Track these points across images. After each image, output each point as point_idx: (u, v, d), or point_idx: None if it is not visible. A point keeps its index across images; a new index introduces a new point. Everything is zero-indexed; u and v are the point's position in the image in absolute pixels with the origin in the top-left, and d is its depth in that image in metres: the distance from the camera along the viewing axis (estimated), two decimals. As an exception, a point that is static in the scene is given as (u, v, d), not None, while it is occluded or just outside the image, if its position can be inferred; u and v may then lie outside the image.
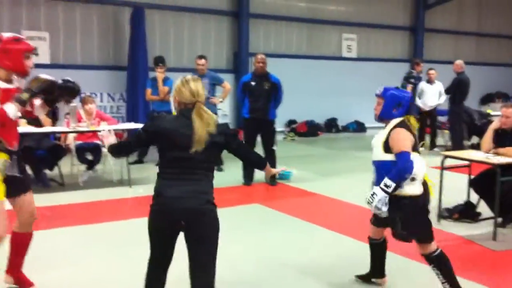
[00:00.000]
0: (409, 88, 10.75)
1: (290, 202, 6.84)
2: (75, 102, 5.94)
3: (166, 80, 8.95)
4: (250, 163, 4.02)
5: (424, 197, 3.78)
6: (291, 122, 13.74)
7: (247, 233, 5.47)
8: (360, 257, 4.52)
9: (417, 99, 11.05)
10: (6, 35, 3.59)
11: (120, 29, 11.43)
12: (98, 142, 7.38)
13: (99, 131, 6.96)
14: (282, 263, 4.65)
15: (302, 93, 12.96)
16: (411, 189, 3.70)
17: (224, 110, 12.19)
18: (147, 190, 7.10)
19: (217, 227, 3.06)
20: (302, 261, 4.72)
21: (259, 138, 7.82)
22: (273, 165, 7.79)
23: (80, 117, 7.51)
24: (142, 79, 10.51)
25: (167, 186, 3.04)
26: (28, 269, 3.91)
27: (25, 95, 3.50)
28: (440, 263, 3.76)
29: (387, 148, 3.77)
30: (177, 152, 3.02)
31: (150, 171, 8.42)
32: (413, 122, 3.93)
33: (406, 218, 3.73)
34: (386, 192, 3.65)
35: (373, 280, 4.24)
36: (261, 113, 7.59)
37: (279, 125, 8.04)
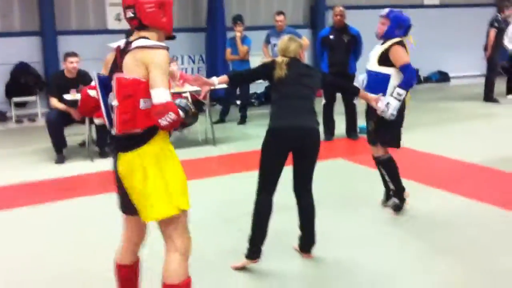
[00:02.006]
0: (492, 32, 10.22)
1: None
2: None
3: (244, 39, 9.03)
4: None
5: (401, 110, 4.41)
6: (371, 75, 13.45)
7: (334, 188, 5.54)
8: (449, 208, 4.51)
9: (505, 42, 10.47)
10: None
11: (197, -10, 11.56)
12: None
13: (185, 92, 7.24)
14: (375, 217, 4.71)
15: (382, 45, 12.60)
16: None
17: (303, 66, 12.11)
18: (231, 148, 7.42)
19: None
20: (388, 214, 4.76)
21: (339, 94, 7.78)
22: (354, 120, 7.76)
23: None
24: (221, 40, 10.64)
25: None
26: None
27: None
28: (388, 165, 4.60)
29: (381, 61, 4.40)
30: None
31: (232, 130, 8.66)
32: (412, 40, 4.56)
33: (382, 123, 4.40)
34: (398, 100, 4.27)
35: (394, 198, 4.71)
36: (340, 67, 7.52)
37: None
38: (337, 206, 4.97)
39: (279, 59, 3.76)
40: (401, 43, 4.43)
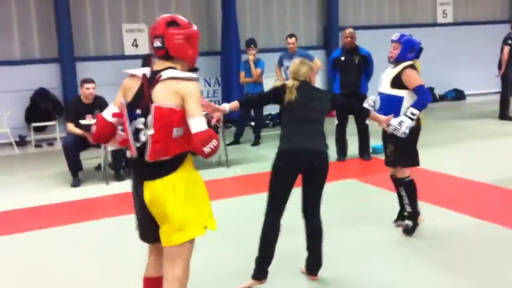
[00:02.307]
0: (506, 49, 10.21)
1: (386, 176, 6.77)
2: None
3: (257, 62, 9.16)
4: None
5: (417, 130, 4.56)
6: (385, 95, 13.46)
7: (345, 208, 5.56)
8: (458, 227, 4.49)
9: None
10: (181, 18, 2.87)
11: (213, 14, 11.77)
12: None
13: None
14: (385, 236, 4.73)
15: (395, 64, 12.64)
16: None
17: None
18: (244, 169, 7.49)
19: None
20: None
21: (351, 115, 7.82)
22: (367, 140, 7.79)
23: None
24: (236, 63, 10.81)
25: None
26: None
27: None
28: (410, 187, 4.65)
29: (394, 84, 4.50)
30: None
31: (246, 152, 8.74)
32: (418, 66, 4.72)
33: (400, 145, 4.50)
34: (411, 119, 4.35)
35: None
36: (352, 88, 7.58)
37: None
38: (347, 226, 4.99)
39: (290, 82, 3.84)
40: (413, 66, 4.55)
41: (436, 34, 13.75)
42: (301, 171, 3.72)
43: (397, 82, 4.50)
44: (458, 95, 13.92)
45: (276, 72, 9.08)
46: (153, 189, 2.73)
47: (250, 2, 12.14)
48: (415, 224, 4.67)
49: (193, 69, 2.91)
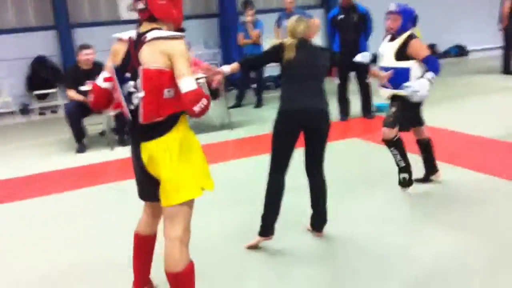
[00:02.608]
0: (507, 3, 10.11)
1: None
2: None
3: (256, 23, 9.05)
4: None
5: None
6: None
7: (349, 168, 5.59)
8: (463, 183, 4.50)
9: None
10: None
11: (208, -25, 11.59)
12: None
13: (201, 77, 7.31)
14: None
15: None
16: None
17: (317, 47, 12.11)
18: (247, 131, 7.50)
19: None
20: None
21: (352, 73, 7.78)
22: (369, 99, 7.76)
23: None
24: (233, 25, 10.69)
25: None
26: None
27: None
28: (399, 145, 4.60)
29: (399, 56, 4.45)
30: None
31: (249, 114, 8.73)
32: (418, 33, 4.56)
33: (402, 109, 4.50)
34: (431, 82, 4.34)
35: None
36: (351, 47, 7.50)
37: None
38: (351, 186, 5.02)
39: (288, 40, 3.79)
40: (414, 36, 4.50)
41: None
42: (302, 130, 3.73)
43: (402, 54, 4.45)
44: (461, 51, 13.80)
45: (275, 32, 8.98)
46: (148, 150, 2.76)
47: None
48: (411, 177, 4.71)
49: (180, 30, 2.86)
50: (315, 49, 3.89)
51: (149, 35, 2.71)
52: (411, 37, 4.46)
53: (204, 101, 2.64)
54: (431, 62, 4.40)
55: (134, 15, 8.99)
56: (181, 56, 2.65)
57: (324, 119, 3.74)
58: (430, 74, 4.34)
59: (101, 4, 10.91)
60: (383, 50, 4.63)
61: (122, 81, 2.76)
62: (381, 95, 4.76)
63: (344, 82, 7.75)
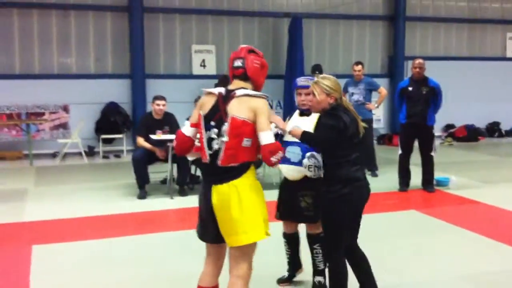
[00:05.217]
0: None
1: (449, 209, 6.68)
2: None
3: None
4: None
5: None
6: (448, 127, 13.25)
7: (404, 239, 5.52)
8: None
9: None
10: (252, 48, 3.28)
11: (279, 39, 12.01)
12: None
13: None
14: (441, 271, 4.66)
15: (461, 97, 12.46)
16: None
17: (378, 115, 12.18)
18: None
19: None
20: (465, 272, 4.67)
21: (416, 144, 7.76)
22: (431, 172, 7.67)
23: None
24: (299, 87, 10.92)
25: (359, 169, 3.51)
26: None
27: None
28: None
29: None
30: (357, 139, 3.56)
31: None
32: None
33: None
34: None
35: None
36: (419, 118, 7.50)
37: (436, 130, 7.86)
38: (406, 257, 4.94)
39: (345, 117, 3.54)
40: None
41: (505, 68, 13.48)
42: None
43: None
44: (525, 131, 13.53)
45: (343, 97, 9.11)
46: (220, 192, 3.07)
47: (316, 30, 12.31)
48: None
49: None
50: None
51: (238, 92, 3.14)
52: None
53: (280, 154, 3.06)
54: None
55: (206, 71, 9.50)
56: (264, 113, 3.08)
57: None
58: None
59: (176, 58, 11.46)
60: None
61: (207, 128, 3.15)
62: None
63: (406, 153, 7.72)
